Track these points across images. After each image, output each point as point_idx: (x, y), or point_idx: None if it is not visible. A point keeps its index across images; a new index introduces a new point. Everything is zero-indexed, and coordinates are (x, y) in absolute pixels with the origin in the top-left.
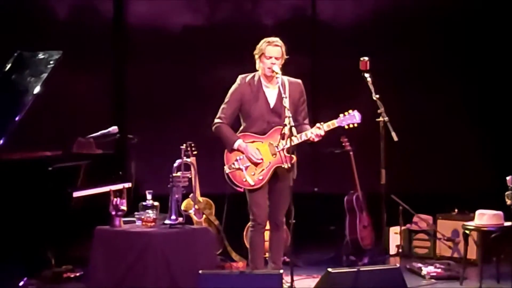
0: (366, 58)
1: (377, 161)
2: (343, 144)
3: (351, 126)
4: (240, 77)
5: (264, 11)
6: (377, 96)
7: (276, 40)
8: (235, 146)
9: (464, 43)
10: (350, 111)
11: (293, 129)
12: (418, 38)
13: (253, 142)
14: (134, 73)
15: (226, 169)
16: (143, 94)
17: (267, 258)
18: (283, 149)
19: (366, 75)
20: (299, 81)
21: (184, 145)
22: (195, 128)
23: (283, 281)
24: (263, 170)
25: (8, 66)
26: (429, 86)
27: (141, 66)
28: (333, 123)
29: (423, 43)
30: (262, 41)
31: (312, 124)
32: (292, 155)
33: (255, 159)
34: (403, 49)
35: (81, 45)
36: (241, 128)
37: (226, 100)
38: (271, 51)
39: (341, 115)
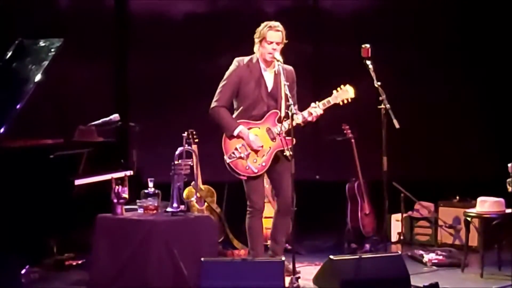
0: (368, 45)
1: (379, 149)
2: (345, 131)
3: (345, 101)
4: (237, 59)
5: None
6: (379, 83)
7: (278, 25)
8: (236, 132)
9: (467, 30)
10: (342, 86)
11: (295, 116)
12: (420, 25)
13: (249, 128)
14: (135, 61)
15: (227, 159)
16: (145, 81)
17: (268, 245)
18: (281, 133)
19: (368, 62)
20: (291, 68)
21: (186, 132)
22: (197, 116)
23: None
24: (264, 156)
25: (9, 54)
26: (430, 73)
27: (142, 54)
28: (328, 101)
29: (425, 30)
30: (263, 25)
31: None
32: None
33: (256, 146)
34: (404, 36)
35: (83, 33)
36: (237, 112)
37: (223, 82)
38: (273, 36)
39: (334, 91)
